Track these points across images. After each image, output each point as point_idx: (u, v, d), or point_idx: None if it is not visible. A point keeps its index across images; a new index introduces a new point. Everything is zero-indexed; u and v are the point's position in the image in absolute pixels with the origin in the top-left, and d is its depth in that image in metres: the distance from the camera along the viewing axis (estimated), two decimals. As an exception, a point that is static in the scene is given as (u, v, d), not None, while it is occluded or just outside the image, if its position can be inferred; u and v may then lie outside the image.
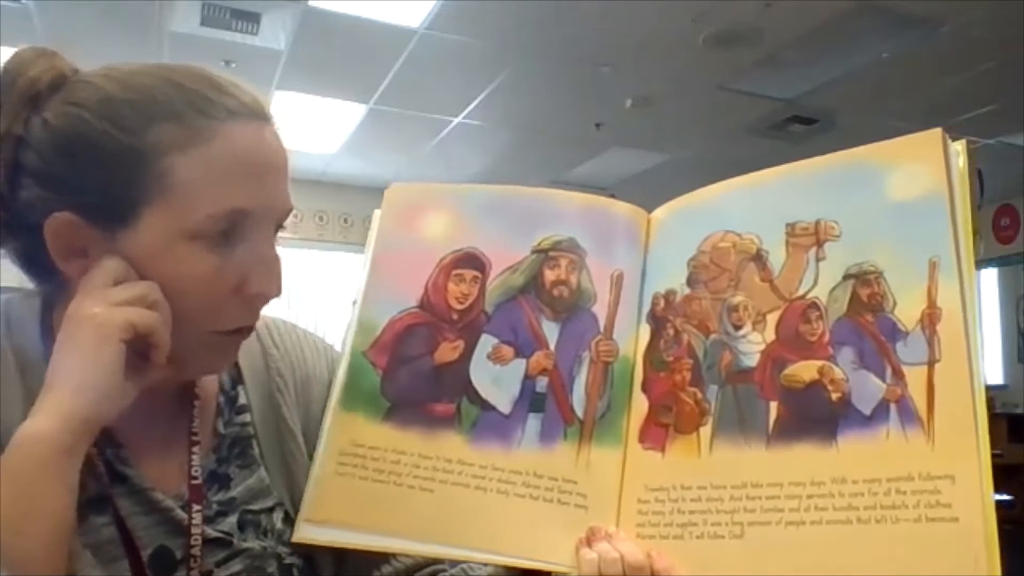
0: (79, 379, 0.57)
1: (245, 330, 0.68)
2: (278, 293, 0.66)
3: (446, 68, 4.33)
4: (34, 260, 0.66)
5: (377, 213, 0.84)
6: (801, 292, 0.69)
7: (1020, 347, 6.58)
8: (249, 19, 3.80)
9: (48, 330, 0.67)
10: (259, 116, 0.65)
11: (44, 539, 0.54)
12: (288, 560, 0.72)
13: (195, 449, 0.70)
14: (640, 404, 0.73)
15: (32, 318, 0.68)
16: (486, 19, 3.73)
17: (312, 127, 5.22)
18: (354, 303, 0.81)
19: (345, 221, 6.62)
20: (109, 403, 0.58)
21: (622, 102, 4.74)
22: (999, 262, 6.66)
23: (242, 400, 0.76)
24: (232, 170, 0.62)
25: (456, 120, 5.19)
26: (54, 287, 0.67)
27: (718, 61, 4.10)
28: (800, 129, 5.10)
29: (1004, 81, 4.18)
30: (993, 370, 6.68)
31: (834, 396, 0.65)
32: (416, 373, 0.77)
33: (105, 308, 0.58)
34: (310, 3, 3.62)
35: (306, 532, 0.73)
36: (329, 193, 6.47)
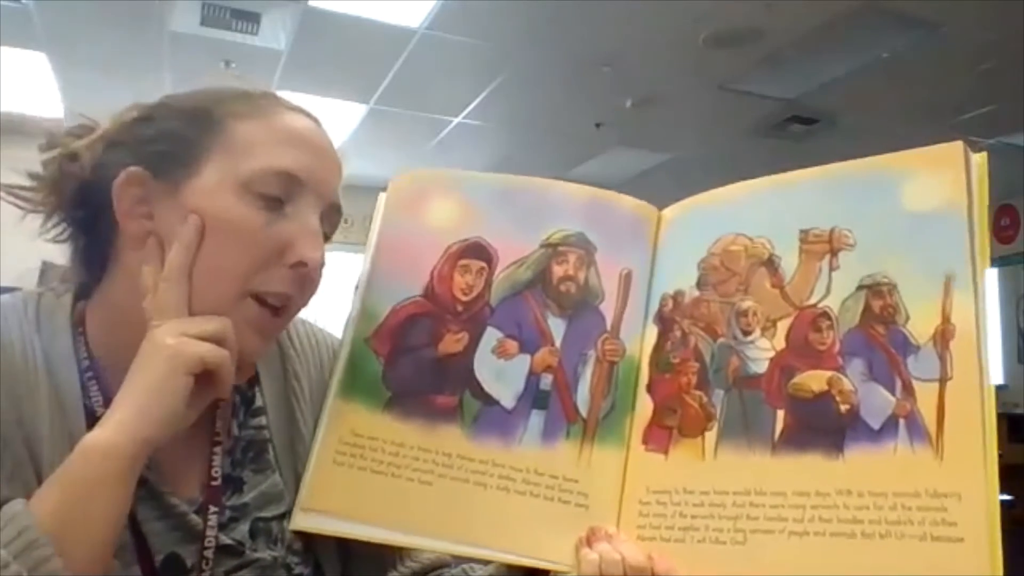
0: (146, 403, 0.60)
1: (285, 311, 0.69)
2: (319, 264, 0.68)
3: (446, 68, 4.33)
4: (93, 243, 0.70)
5: (382, 197, 0.83)
6: (813, 301, 0.68)
7: (1020, 347, 6.58)
8: (249, 19, 3.79)
9: (77, 328, 0.69)
10: (320, 124, 0.72)
11: (97, 547, 0.57)
12: (297, 570, 0.72)
13: (216, 450, 0.71)
14: (644, 405, 0.73)
15: (63, 316, 0.70)
16: (486, 19, 3.73)
17: (312, 127, 5.21)
18: (356, 288, 0.80)
19: (345, 221, 6.52)
20: (171, 427, 0.61)
21: (622, 102, 4.73)
22: (999, 262, 6.65)
23: (258, 402, 0.76)
24: (288, 138, 0.68)
25: (456, 120, 5.18)
26: (96, 278, 0.70)
27: (718, 61, 4.09)
28: (800, 129, 5.10)
29: (1004, 81, 4.17)
30: (993, 370, 6.64)
31: (843, 408, 0.64)
32: (418, 364, 0.76)
33: (180, 340, 0.62)
34: (310, 3, 3.62)
35: (302, 521, 0.73)
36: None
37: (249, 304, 0.66)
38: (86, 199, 0.69)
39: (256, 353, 0.70)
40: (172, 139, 0.67)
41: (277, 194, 0.66)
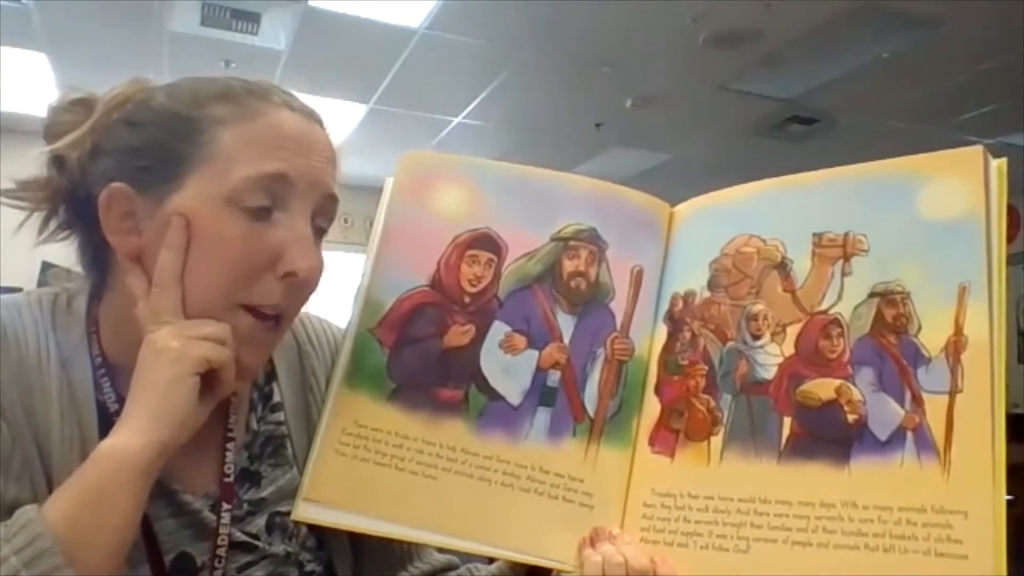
0: (157, 407, 0.60)
1: (281, 320, 0.68)
2: (311, 273, 0.66)
3: (446, 68, 4.33)
4: (91, 245, 0.70)
5: (389, 181, 0.81)
6: (824, 307, 0.67)
7: (1020, 347, 6.58)
8: (249, 19, 3.79)
9: (92, 326, 0.69)
10: (312, 115, 0.70)
11: (109, 551, 0.57)
12: (309, 567, 0.73)
13: (230, 447, 0.71)
14: (652, 406, 0.72)
15: (77, 315, 0.70)
16: (486, 19, 3.73)
17: (312, 127, 5.22)
18: (362, 276, 0.79)
19: (345, 221, 6.60)
20: (185, 428, 0.62)
21: (622, 102, 4.73)
22: (999, 262, 6.64)
23: (276, 398, 0.76)
24: (273, 141, 0.65)
25: (456, 120, 5.18)
26: (102, 279, 0.71)
27: (718, 61, 4.09)
28: (800, 129, 5.09)
29: (1004, 81, 4.17)
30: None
31: (850, 418, 0.64)
32: (424, 355, 0.75)
33: (183, 342, 0.62)
34: (310, 3, 3.61)
35: (305, 512, 0.72)
36: (329, 193, 6.44)
37: (242, 316, 0.65)
38: (79, 207, 0.69)
39: (253, 365, 0.69)
40: (154, 152, 0.65)
41: (264, 203, 0.64)
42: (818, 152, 5.24)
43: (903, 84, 4.31)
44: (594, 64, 4.19)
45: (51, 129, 0.70)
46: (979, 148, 0.64)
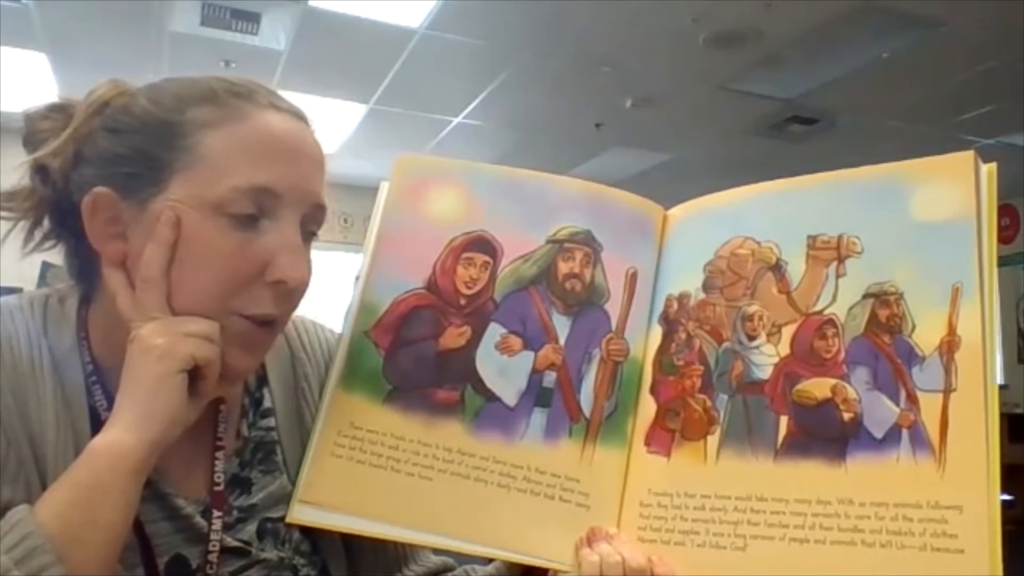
0: (146, 404, 0.60)
1: (273, 325, 0.67)
2: (301, 281, 0.66)
3: (446, 68, 4.33)
4: (78, 254, 0.70)
5: (384, 185, 0.81)
6: (819, 307, 0.68)
7: (1020, 347, 6.58)
8: (249, 19, 3.79)
9: (83, 328, 0.69)
10: (298, 115, 0.68)
11: (102, 549, 0.56)
12: (303, 571, 0.72)
13: (219, 455, 0.70)
14: (647, 407, 0.73)
15: (68, 319, 0.69)
16: (486, 19, 3.73)
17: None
18: (357, 279, 0.79)
19: (345, 221, 6.61)
20: (174, 426, 0.61)
21: (622, 102, 4.73)
22: (998, 262, 6.63)
23: (267, 403, 0.76)
24: (260, 148, 0.64)
25: (456, 120, 5.18)
26: (91, 286, 0.70)
27: (718, 61, 4.09)
28: (800, 129, 5.10)
29: (1004, 81, 4.18)
30: (992, 370, 6.66)
31: (846, 416, 0.64)
32: (420, 357, 0.75)
33: (169, 339, 0.61)
34: (310, 3, 3.62)
35: (300, 514, 0.72)
36: (329, 193, 6.42)
37: (234, 320, 0.65)
38: (64, 217, 0.68)
39: (245, 369, 0.68)
40: (138, 159, 0.64)
41: (251, 211, 0.63)
42: (818, 152, 5.24)
43: (903, 84, 4.31)
44: (594, 64, 4.19)
45: (31, 137, 0.69)
46: (970, 152, 0.65)
